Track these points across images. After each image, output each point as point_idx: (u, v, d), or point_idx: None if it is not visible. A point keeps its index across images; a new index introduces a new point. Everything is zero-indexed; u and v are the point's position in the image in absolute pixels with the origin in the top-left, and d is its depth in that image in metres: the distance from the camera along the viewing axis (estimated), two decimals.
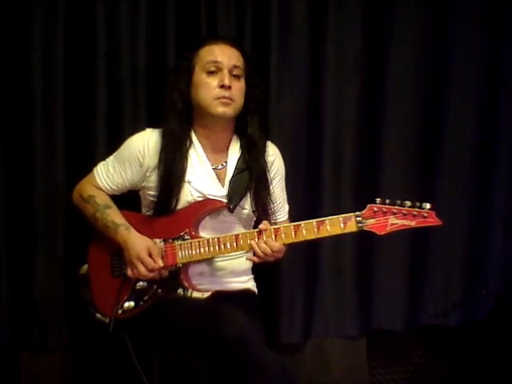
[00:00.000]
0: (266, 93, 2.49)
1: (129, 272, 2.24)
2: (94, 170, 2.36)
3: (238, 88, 2.28)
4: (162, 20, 2.66)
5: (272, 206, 2.37)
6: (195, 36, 2.63)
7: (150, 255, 2.21)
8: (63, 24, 2.56)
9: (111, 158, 2.36)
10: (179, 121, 2.28)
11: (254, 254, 2.19)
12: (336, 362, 2.97)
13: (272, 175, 2.39)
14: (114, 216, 2.28)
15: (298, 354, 2.93)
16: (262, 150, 2.36)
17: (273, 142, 2.48)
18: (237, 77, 2.28)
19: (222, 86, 2.23)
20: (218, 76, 2.25)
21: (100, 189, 2.34)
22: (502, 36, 2.95)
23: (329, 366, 2.97)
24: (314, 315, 2.91)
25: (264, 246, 2.15)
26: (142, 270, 2.20)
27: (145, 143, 2.28)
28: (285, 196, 2.48)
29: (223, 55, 2.26)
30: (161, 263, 2.22)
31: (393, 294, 2.99)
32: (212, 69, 2.25)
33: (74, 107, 2.62)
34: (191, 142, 2.31)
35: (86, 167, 2.43)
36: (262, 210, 2.32)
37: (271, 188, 2.36)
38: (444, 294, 3.04)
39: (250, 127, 2.34)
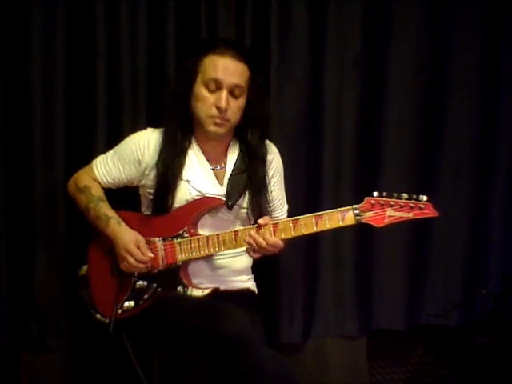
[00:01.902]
0: (267, 94, 2.48)
1: (121, 265, 2.25)
2: (93, 162, 2.38)
3: (235, 107, 2.24)
4: (162, 20, 2.66)
5: (269, 206, 2.36)
6: (202, 39, 2.63)
7: (139, 247, 2.21)
8: (63, 24, 2.57)
9: (111, 152, 2.37)
10: (179, 124, 2.28)
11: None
12: (336, 362, 2.97)
13: (270, 174, 2.38)
14: (107, 209, 2.29)
15: (297, 354, 2.92)
16: (262, 160, 2.35)
17: (273, 141, 2.47)
18: (236, 95, 2.23)
19: (219, 108, 2.21)
20: (217, 94, 2.21)
21: (97, 181, 2.35)
22: (502, 36, 2.95)
23: (329, 366, 2.97)
24: (314, 315, 2.91)
25: (260, 240, 2.15)
26: (132, 261, 2.20)
27: (145, 142, 2.29)
28: (283, 195, 2.48)
29: (226, 73, 2.20)
30: (150, 254, 2.22)
31: (393, 294, 2.99)
32: (212, 87, 2.21)
33: (73, 107, 2.62)
34: (190, 143, 2.31)
35: None
36: (258, 215, 2.30)
37: (269, 188, 2.36)
38: (444, 294, 3.04)
39: (251, 138, 2.32)
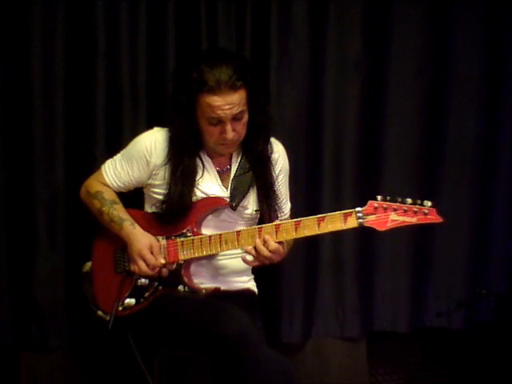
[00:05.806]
0: (267, 95, 2.46)
1: (132, 267, 2.25)
2: (102, 167, 2.38)
3: (241, 127, 2.22)
4: (162, 20, 2.66)
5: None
6: (192, 59, 2.39)
7: (152, 253, 2.22)
8: (63, 24, 2.56)
9: (119, 155, 2.37)
10: (190, 145, 2.27)
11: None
12: (336, 363, 2.98)
13: (277, 173, 2.38)
14: (121, 211, 2.30)
15: (298, 354, 2.93)
16: (267, 162, 2.35)
17: None
18: (240, 118, 2.20)
19: (225, 138, 2.20)
20: (221, 126, 2.18)
21: (107, 186, 2.35)
22: (503, 35, 2.95)
23: (329, 366, 2.97)
24: (314, 316, 2.92)
25: (261, 247, 2.14)
26: (143, 266, 2.21)
27: (152, 142, 2.29)
28: (287, 193, 2.47)
29: (224, 110, 2.15)
30: (162, 261, 2.23)
31: (394, 295, 2.98)
32: (214, 122, 2.18)
33: (73, 107, 2.62)
34: (199, 154, 2.31)
35: (86, 167, 2.45)
36: (268, 211, 2.31)
37: (275, 187, 2.36)
38: (446, 296, 3.03)
39: (254, 142, 2.32)
